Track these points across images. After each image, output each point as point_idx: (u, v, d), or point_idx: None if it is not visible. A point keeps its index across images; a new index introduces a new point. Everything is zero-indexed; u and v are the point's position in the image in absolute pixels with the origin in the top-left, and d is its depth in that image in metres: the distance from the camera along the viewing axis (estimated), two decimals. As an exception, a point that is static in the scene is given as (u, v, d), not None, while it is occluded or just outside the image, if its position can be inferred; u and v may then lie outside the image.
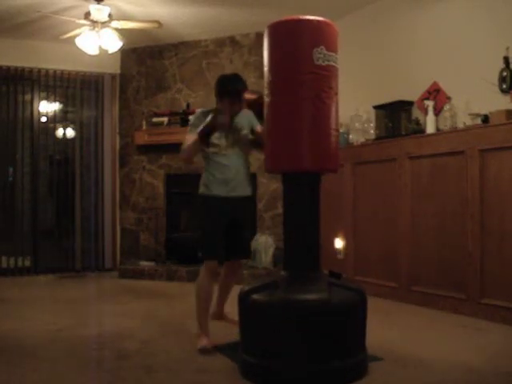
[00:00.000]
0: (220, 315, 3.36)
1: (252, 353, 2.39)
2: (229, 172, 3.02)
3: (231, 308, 3.11)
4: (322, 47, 2.39)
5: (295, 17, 2.44)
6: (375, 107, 4.53)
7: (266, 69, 2.53)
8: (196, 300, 2.98)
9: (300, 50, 2.40)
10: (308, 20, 2.42)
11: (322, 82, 2.41)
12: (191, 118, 3.18)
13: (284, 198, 2.60)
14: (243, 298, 2.45)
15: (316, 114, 2.41)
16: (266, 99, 2.53)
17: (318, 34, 2.41)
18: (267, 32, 2.52)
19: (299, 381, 2.27)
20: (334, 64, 2.45)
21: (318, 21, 2.43)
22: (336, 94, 2.49)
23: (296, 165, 2.45)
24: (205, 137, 2.87)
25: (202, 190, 3.09)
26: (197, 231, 3.20)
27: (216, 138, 2.95)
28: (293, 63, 2.41)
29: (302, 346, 2.26)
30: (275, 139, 2.52)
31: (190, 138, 2.96)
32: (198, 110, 3.14)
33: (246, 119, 3.06)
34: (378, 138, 4.51)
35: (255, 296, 2.40)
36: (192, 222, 2.80)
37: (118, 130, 6.19)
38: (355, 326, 2.38)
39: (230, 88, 3.01)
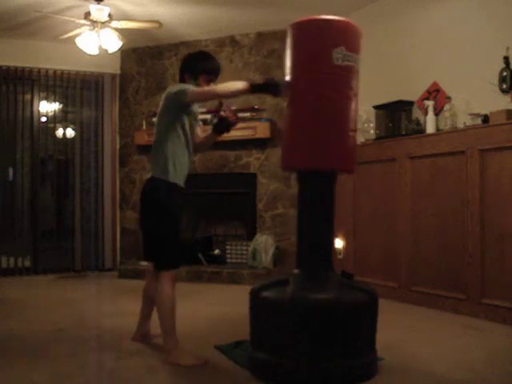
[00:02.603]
0: (147, 334, 2.96)
1: (260, 349, 2.40)
2: (189, 159, 2.76)
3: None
4: (342, 47, 2.37)
5: (316, 16, 2.43)
6: (375, 107, 4.53)
7: (287, 68, 2.53)
8: (164, 315, 2.61)
9: (319, 50, 2.39)
10: (329, 20, 2.41)
11: (341, 82, 2.40)
12: (185, 85, 2.71)
13: (299, 196, 2.60)
14: (254, 295, 2.46)
15: (333, 113, 2.41)
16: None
17: (339, 35, 2.40)
18: (289, 31, 2.52)
19: (303, 379, 2.27)
20: (353, 64, 2.43)
21: (340, 21, 2.42)
22: (355, 94, 2.48)
23: (311, 163, 2.45)
24: (257, 90, 2.63)
25: (165, 176, 2.64)
26: (162, 231, 2.64)
27: (193, 119, 2.76)
28: (312, 63, 2.41)
29: (307, 343, 2.26)
30: (292, 137, 2.52)
31: (210, 88, 2.67)
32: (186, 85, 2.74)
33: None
34: (378, 137, 4.51)
35: (265, 293, 2.41)
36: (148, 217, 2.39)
37: (117, 130, 6.19)
38: (364, 326, 2.38)
39: (211, 62, 2.79)
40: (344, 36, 2.41)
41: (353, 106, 2.46)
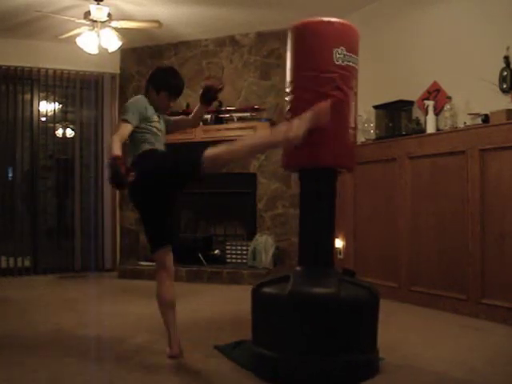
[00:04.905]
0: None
1: (262, 345, 2.41)
2: None
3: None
4: (343, 48, 2.43)
5: (318, 18, 2.48)
6: (375, 107, 4.53)
7: (287, 68, 2.56)
8: None
9: (321, 50, 2.44)
10: (329, 21, 2.46)
11: (341, 82, 2.44)
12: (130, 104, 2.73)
13: (300, 194, 2.62)
14: (256, 291, 2.48)
15: (334, 111, 2.42)
16: (287, 97, 2.56)
17: (339, 36, 2.46)
18: (290, 32, 2.56)
19: (303, 375, 2.27)
20: (353, 65, 2.50)
21: (340, 22, 2.48)
22: (355, 93, 2.53)
23: (312, 161, 2.48)
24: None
25: None
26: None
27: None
28: (313, 62, 2.45)
29: (304, 338, 2.27)
30: None
31: (125, 130, 2.58)
32: (138, 98, 2.77)
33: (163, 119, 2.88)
34: (378, 137, 4.51)
35: (266, 289, 2.44)
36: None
37: (117, 130, 6.18)
38: (364, 322, 2.38)
39: (174, 82, 2.79)
40: (344, 37, 2.47)
41: (353, 104, 2.52)
